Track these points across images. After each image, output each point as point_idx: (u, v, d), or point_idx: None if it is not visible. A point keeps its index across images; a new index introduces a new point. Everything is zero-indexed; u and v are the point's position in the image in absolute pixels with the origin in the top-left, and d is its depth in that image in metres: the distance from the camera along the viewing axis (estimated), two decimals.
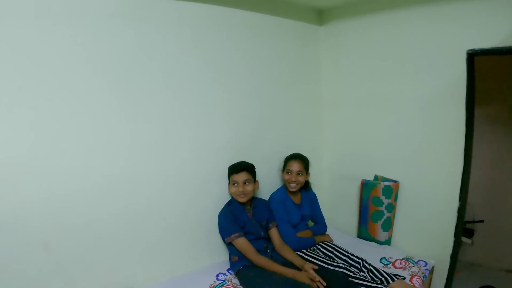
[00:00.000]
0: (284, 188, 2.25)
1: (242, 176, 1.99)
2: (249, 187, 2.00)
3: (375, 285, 1.75)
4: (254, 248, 1.91)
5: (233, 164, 2.07)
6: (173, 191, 1.96)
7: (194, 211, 2.04)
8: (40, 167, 1.53)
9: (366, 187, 2.38)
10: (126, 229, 1.81)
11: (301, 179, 2.18)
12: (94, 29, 1.63)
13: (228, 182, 2.08)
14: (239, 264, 1.91)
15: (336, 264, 1.91)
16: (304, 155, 2.27)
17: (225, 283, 1.87)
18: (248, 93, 2.26)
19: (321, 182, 2.66)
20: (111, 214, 1.75)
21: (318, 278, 1.74)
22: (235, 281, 1.90)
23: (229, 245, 1.99)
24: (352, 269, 1.91)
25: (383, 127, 2.37)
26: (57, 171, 1.58)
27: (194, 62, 1.99)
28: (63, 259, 1.62)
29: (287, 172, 2.19)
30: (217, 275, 1.93)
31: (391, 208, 2.27)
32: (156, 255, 1.91)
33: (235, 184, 2.00)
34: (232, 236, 1.92)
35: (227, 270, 2.00)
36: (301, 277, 1.76)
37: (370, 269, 1.91)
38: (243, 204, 2.03)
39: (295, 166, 2.18)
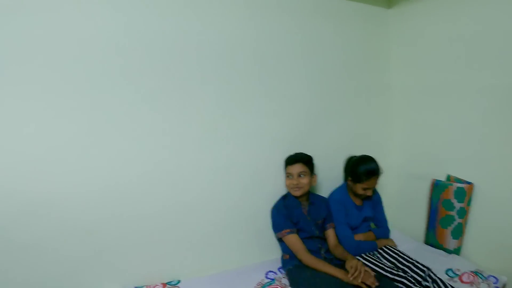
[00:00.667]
0: (345, 186, 2.12)
1: (297, 168, 1.91)
2: (304, 180, 1.91)
3: None
4: (305, 247, 1.82)
5: (289, 156, 2.00)
6: (226, 183, 1.95)
7: (247, 205, 2.02)
8: (95, 160, 1.63)
9: (436, 188, 2.15)
10: (175, 220, 1.85)
11: (370, 192, 2.03)
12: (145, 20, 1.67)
13: (284, 174, 2.01)
14: (290, 263, 1.85)
15: (396, 272, 1.76)
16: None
17: (274, 282, 1.82)
18: (308, 81, 2.14)
19: (387, 180, 2.45)
20: (162, 205, 1.80)
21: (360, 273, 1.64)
22: (285, 281, 1.83)
23: (281, 242, 1.94)
24: (415, 277, 1.75)
25: (458, 121, 2.10)
26: (111, 165, 1.66)
27: (248, 49, 1.92)
28: (112, 247, 1.71)
29: (363, 189, 2.02)
30: (267, 273, 1.89)
31: (463, 213, 2.03)
32: (204, 248, 1.94)
33: (290, 176, 1.93)
34: (284, 231, 1.86)
35: (278, 269, 1.95)
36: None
37: (435, 279, 1.73)
38: (298, 198, 1.95)
39: (373, 182, 2.01)
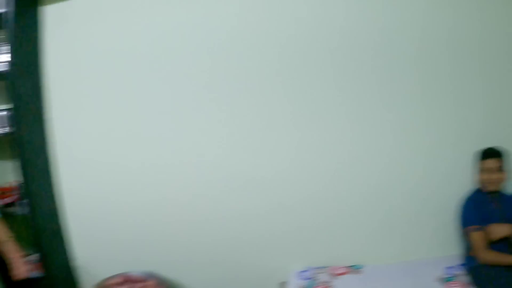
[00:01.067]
0: None
1: (494, 163, 1.86)
2: (501, 175, 1.84)
3: None
4: (487, 246, 1.76)
5: (485, 149, 1.93)
6: (418, 175, 2.06)
7: (436, 198, 2.06)
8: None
9: None
10: (359, 206, 2.10)
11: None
12: None
13: (477, 169, 1.96)
14: (475, 261, 1.81)
15: None
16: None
17: (454, 278, 1.83)
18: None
19: None
20: (348, 190, 2.11)
21: None
22: (466, 278, 1.82)
23: (466, 237, 1.91)
24: None
25: None
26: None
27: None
28: (303, 227, 2.15)
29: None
30: (447, 269, 1.91)
31: None
32: (387, 237, 2.11)
33: (485, 171, 1.89)
34: (471, 227, 1.84)
35: (460, 266, 1.93)
36: None
37: None
38: (491, 194, 1.88)
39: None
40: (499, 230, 1.77)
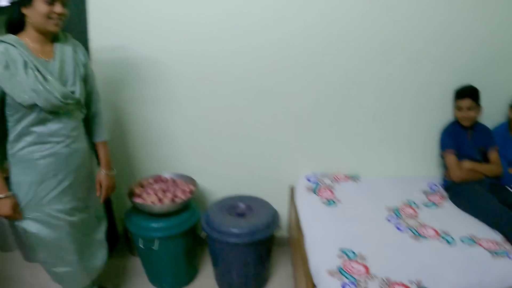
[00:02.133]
0: (507, 125, 2.31)
1: (466, 103, 2.18)
2: (472, 113, 2.19)
3: None
4: (460, 166, 2.20)
5: (459, 89, 2.24)
6: (412, 100, 2.34)
7: (425, 124, 2.40)
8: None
9: None
10: (365, 121, 2.38)
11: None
12: None
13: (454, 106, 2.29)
14: (450, 180, 2.25)
15: None
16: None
17: (436, 192, 2.30)
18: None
19: None
20: (352, 107, 2.35)
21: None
22: (445, 194, 2.28)
23: (443, 159, 2.33)
24: None
25: None
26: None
27: None
28: (313, 135, 2.42)
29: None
30: (430, 185, 2.36)
31: None
32: (383, 153, 2.47)
33: (460, 109, 2.22)
34: (446, 150, 2.25)
35: (440, 183, 2.38)
36: None
37: None
38: (465, 127, 2.26)
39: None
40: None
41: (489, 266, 1.65)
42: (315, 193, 2.27)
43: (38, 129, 1.45)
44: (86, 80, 1.62)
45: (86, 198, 1.72)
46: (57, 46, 1.48)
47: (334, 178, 2.45)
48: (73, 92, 1.50)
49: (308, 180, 2.41)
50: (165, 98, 2.35)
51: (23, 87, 1.35)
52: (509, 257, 1.71)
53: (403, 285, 1.54)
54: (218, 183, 2.56)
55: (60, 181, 1.56)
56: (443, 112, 2.37)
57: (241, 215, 2.14)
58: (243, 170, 2.52)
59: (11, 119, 1.43)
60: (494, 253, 1.73)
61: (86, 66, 1.61)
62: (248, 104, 2.35)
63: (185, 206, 2.16)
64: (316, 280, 1.64)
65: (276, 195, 2.50)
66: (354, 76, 2.28)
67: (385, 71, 2.27)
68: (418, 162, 2.51)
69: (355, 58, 2.24)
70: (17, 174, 1.50)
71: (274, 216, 2.13)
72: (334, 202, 2.20)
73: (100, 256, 1.86)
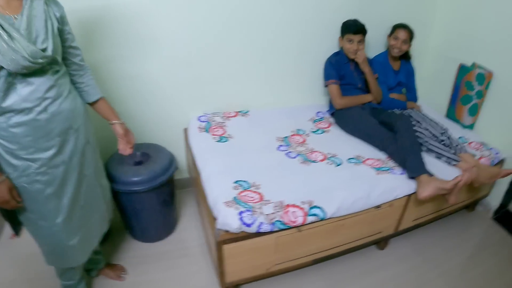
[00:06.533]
0: (387, 53, 2.47)
1: (358, 37, 2.24)
2: (361, 47, 2.27)
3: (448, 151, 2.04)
4: (342, 95, 2.30)
5: (349, 23, 2.26)
6: (290, 36, 2.31)
7: (310, 55, 2.41)
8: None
9: (462, 70, 2.47)
10: (251, 61, 2.29)
11: (405, 47, 2.37)
12: None
13: (340, 36, 2.33)
14: (334, 108, 2.34)
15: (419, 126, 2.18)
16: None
17: (323, 119, 2.38)
18: None
19: (423, 58, 2.74)
20: (243, 48, 2.24)
21: None
22: (331, 120, 2.38)
23: (327, 89, 2.38)
24: (434, 132, 2.15)
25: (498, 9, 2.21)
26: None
27: None
28: (202, 78, 2.23)
29: (394, 38, 2.36)
30: (317, 113, 2.43)
31: (481, 95, 2.37)
32: (271, 87, 2.43)
33: (351, 41, 2.25)
34: (330, 81, 2.31)
35: (326, 111, 2.47)
36: None
37: (450, 136, 2.15)
38: (349, 58, 2.33)
39: (402, 34, 2.33)
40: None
41: (375, 181, 1.77)
42: (207, 132, 2.17)
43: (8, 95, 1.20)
44: (62, 34, 1.35)
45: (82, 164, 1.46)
46: (26, 0, 1.22)
47: (225, 115, 2.34)
48: (44, 50, 1.22)
49: (199, 120, 2.27)
50: None
51: None
52: (393, 172, 1.85)
53: (296, 206, 1.54)
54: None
55: (45, 149, 1.30)
56: (326, 45, 2.41)
57: (139, 163, 2.00)
58: (136, 119, 2.22)
59: None
60: (379, 169, 1.85)
61: (62, 19, 1.34)
62: (134, 53, 2.04)
63: None
64: (215, 213, 1.58)
65: (171, 139, 2.32)
66: (241, 15, 2.12)
67: (270, 9, 2.16)
68: (305, 92, 2.54)
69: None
70: None
71: (171, 160, 2.02)
72: (226, 138, 2.12)
73: None
